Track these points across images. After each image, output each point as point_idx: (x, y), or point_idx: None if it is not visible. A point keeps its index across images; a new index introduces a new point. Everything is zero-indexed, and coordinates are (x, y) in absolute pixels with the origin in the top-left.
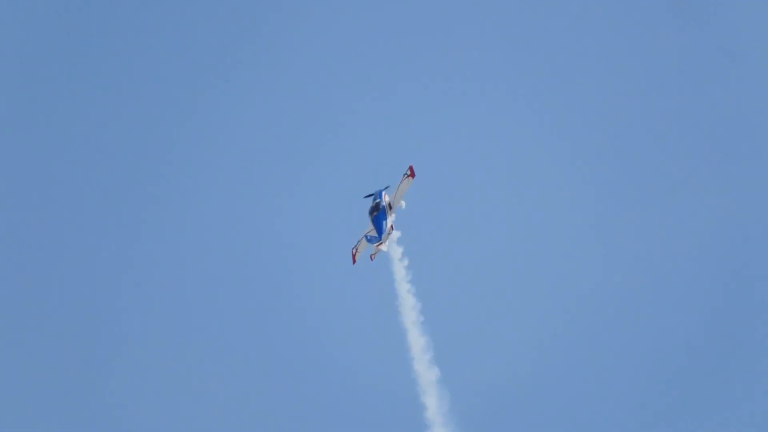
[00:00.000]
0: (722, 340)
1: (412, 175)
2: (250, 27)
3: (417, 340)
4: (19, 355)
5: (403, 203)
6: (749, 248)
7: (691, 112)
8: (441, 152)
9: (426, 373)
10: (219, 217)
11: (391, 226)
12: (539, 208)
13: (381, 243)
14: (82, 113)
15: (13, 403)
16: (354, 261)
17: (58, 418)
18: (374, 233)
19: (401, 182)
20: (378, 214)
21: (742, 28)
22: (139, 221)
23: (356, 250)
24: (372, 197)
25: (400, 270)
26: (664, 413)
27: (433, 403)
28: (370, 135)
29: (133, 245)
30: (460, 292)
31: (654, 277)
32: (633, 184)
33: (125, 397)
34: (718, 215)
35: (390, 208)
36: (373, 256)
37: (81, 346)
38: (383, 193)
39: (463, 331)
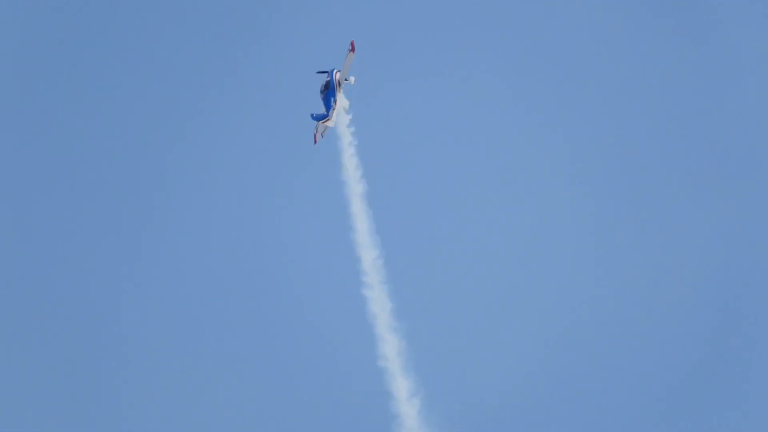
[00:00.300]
0: (724, 345)
1: (353, 50)
2: (249, 27)
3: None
4: (17, 355)
5: (352, 79)
6: (751, 254)
7: (692, 117)
8: (437, 152)
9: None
10: (219, 217)
11: (335, 102)
12: (536, 211)
13: (328, 119)
14: (82, 114)
15: (14, 403)
16: (315, 141)
17: (59, 418)
18: (324, 111)
19: (346, 59)
20: (327, 91)
21: (744, 33)
22: (138, 222)
23: (316, 130)
24: (325, 74)
25: (346, 136)
26: (662, 421)
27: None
28: (364, 135)
29: (132, 246)
30: (447, 298)
31: (653, 284)
32: (632, 188)
33: (125, 397)
34: (720, 221)
35: (339, 85)
36: (323, 134)
37: (80, 347)
38: (334, 71)
39: (451, 342)
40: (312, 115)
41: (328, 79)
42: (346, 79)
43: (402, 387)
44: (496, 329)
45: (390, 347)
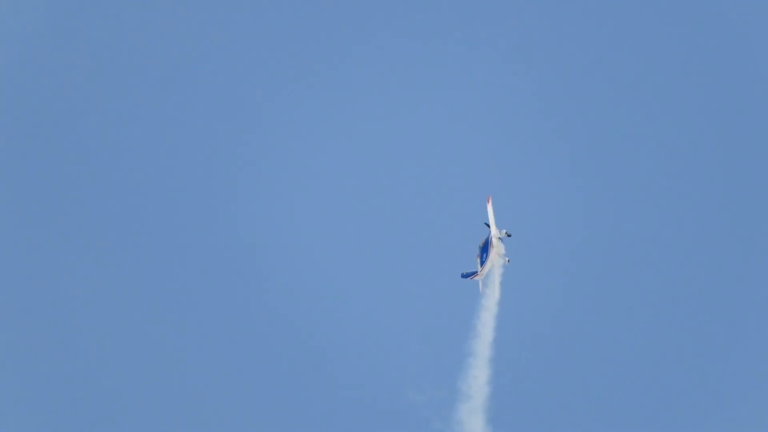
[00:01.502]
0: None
1: (489, 203)
2: (246, 27)
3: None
4: (12, 356)
5: (503, 232)
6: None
7: (688, 117)
8: (428, 152)
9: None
10: (220, 218)
11: (487, 259)
12: (530, 208)
13: (477, 275)
14: (80, 114)
15: (12, 403)
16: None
17: (54, 417)
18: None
19: (489, 214)
20: (483, 248)
21: (740, 31)
22: (135, 221)
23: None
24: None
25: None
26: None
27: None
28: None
29: (128, 245)
30: None
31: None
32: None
33: (120, 396)
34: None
35: (492, 244)
36: (480, 285)
37: (75, 345)
38: (492, 232)
39: None
40: (462, 275)
41: (487, 237)
42: (504, 235)
43: None
44: None
45: None
